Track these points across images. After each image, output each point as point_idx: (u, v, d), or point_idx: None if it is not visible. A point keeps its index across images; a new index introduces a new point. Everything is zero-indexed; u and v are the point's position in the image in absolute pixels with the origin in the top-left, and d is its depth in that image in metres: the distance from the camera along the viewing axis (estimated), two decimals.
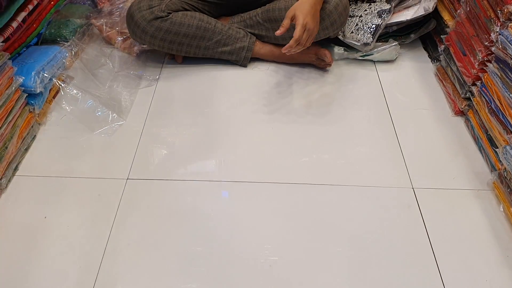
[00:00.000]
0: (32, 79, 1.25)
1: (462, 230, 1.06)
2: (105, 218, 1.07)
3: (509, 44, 1.06)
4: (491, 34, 1.15)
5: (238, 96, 1.42)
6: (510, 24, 1.07)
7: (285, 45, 1.49)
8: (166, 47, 1.45)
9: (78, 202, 1.11)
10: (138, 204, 1.11)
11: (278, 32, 1.26)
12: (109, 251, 1.01)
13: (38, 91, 1.26)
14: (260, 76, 1.50)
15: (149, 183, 1.16)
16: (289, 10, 1.27)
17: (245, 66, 1.54)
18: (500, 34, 1.11)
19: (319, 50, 1.48)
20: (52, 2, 1.45)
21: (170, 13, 1.40)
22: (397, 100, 1.43)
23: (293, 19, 1.26)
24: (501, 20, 1.12)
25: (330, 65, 1.51)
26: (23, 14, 1.29)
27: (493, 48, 1.15)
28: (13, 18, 1.24)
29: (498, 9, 1.13)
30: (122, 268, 0.98)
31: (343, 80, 1.50)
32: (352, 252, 1.01)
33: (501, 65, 1.11)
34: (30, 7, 1.32)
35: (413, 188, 1.15)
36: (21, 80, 1.19)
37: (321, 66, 1.53)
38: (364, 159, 1.23)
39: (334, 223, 1.07)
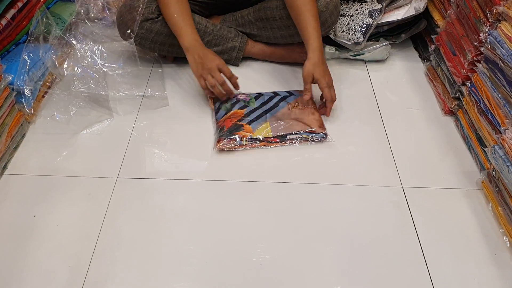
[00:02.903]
0: (22, 77, 1.24)
1: (451, 229, 1.07)
2: (95, 217, 1.07)
3: (498, 45, 1.06)
4: (481, 35, 1.16)
5: None
6: (499, 25, 1.08)
7: (277, 44, 1.50)
8: (157, 49, 1.44)
9: (68, 201, 1.10)
10: (128, 203, 1.10)
11: (306, 97, 1.30)
12: (98, 250, 1.00)
13: (27, 89, 1.25)
14: (251, 75, 1.50)
15: (139, 182, 1.15)
16: (306, 73, 1.28)
17: (236, 65, 1.53)
18: (489, 35, 1.11)
19: None
20: None
21: (160, 14, 1.39)
22: (387, 99, 1.43)
23: (313, 81, 1.28)
24: (490, 20, 1.12)
25: None
26: (12, 11, 1.28)
27: (482, 48, 1.15)
28: (2, 15, 1.23)
29: (487, 9, 1.13)
30: (112, 267, 0.97)
31: (334, 80, 1.48)
32: (342, 250, 1.02)
33: (490, 65, 1.12)
34: (20, 4, 1.31)
35: (402, 187, 1.16)
36: (10, 78, 1.18)
37: None
38: (355, 158, 1.24)
39: (325, 222, 1.07)
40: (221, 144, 1.22)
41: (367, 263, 1.00)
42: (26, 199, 1.11)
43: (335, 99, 1.30)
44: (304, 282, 0.96)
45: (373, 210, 1.11)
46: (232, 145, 1.22)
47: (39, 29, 1.43)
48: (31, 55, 1.30)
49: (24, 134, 1.27)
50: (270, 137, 1.24)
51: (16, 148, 1.22)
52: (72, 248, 1.00)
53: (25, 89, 1.25)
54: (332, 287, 0.95)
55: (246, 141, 1.23)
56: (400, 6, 1.55)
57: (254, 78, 1.49)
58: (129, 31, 1.38)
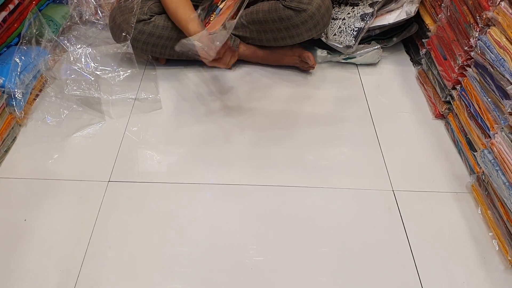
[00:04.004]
0: (13, 79, 1.24)
1: (440, 232, 1.08)
2: (86, 220, 1.07)
3: (487, 50, 1.07)
4: (471, 39, 1.17)
5: (221, 98, 1.42)
6: (488, 30, 1.09)
7: (269, 47, 1.51)
8: (149, 50, 1.44)
9: (59, 204, 1.10)
10: (119, 206, 1.10)
11: None
12: (90, 254, 1.00)
13: (18, 92, 1.24)
14: (243, 78, 1.50)
15: (130, 185, 1.15)
16: None
17: (229, 68, 1.53)
18: (479, 40, 1.12)
19: (303, 52, 1.49)
20: (34, 2, 1.44)
21: (153, 15, 1.39)
22: (378, 103, 1.44)
23: None
24: (480, 25, 1.13)
25: (313, 67, 1.52)
26: (4, 14, 1.27)
27: (472, 53, 1.16)
28: None
29: (477, 14, 1.14)
30: (103, 271, 0.97)
31: (326, 83, 1.51)
32: (333, 254, 1.02)
33: (480, 70, 1.13)
34: (11, 6, 1.30)
35: (393, 190, 1.17)
36: (1, 81, 1.18)
37: (304, 68, 1.53)
38: (346, 161, 1.24)
39: (316, 225, 1.08)
40: (208, 25, 1.18)
41: (358, 266, 1.00)
42: (17, 202, 1.10)
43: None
44: (295, 284, 0.96)
45: (363, 214, 1.11)
46: (214, 17, 1.18)
47: (31, 31, 1.43)
48: (22, 57, 1.29)
49: (15, 137, 1.26)
50: None
51: (7, 151, 1.22)
52: (63, 252, 1.00)
53: (16, 92, 1.24)
54: None
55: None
56: (392, 10, 1.56)
57: (246, 81, 1.49)
58: (124, 33, 1.38)
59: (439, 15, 1.37)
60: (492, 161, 1.04)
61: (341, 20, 1.55)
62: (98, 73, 1.43)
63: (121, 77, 1.44)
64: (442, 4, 1.36)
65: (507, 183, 0.98)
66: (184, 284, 0.96)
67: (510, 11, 1.01)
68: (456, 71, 1.25)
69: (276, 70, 1.54)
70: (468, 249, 1.05)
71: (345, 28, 1.52)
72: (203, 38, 1.15)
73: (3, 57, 1.29)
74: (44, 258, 0.99)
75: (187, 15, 1.27)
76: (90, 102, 1.36)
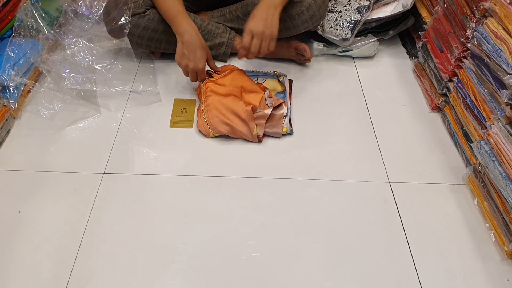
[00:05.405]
0: (7, 72, 1.23)
1: (437, 224, 1.08)
2: (81, 212, 1.06)
3: (484, 41, 1.07)
4: (467, 31, 1.17)
5: None
6: (485, 21, 1.09)
7: None
8: (144, 44, 1.43)
9: (54, 196, 1.10)
10: (114, 198, 1.10)
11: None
12: (84, 246, 1.00)
13: (13, 85, 1.23)
14: None
15: (126, 177, 1.15)
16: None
17: (225, 61, 1.53)
18: (475, 31, 1.12)
19: (299, 45, 1.49)
20: None
21: (148, 9, 1.38)
22: (375, 95, 1.44)
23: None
24: (476, 16, 1.13)
25: (309, 60, 1.52)
26: None
27: (469, 45, 1.16)
28: None
29: (474, 6, 1.14)
30: (98, 263, 0.97)
31: (322, 76, 1.50)
32: (330, 245, 1.02)
33: (477, 62, 1.13)
34: None
35: (389, 182, 1.16)
36: None
37: (301, 61, 1.53)
38: (342, 154, 1.24)
39: (313, 217, 1.08)
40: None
41: (355, 258, 1.00)
42: (11, 194, 1.10)
43: (255, 49, 1.26)
44: (292, 277, 0.96)
45: (360, 205, 1.11)
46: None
47: (25, 23, 1.41)
48: (16, 50, 1.28)
49: (9, 129, 1.25)
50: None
51: (1, 143, 1.21)
52: (57, 244, 1.00)
53: (10, 84, 1.23)
54: (320, 282, 0.95)
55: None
56: (388, 3, 1.56)
57: None
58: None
59: (436, 8, 1.37)
60: (489, 151, 1.03)
61: (337, 12, 1.54)
62: (94, 66, 1.42)
63: (118, 69, 1.43)
64: None
65: (503, 174, 0.98)
66: (179, 275, 0.95)
67: (508, 1, 1.00)
68: (453, 63, 1.25)
69: (272, 63, 1.53)
70: (465, 240, 1.05)
71: (342, 21, 1.51)
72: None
73: None
74: (39, 249, 0.99)
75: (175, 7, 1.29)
76: (85, 95, 1.35)
